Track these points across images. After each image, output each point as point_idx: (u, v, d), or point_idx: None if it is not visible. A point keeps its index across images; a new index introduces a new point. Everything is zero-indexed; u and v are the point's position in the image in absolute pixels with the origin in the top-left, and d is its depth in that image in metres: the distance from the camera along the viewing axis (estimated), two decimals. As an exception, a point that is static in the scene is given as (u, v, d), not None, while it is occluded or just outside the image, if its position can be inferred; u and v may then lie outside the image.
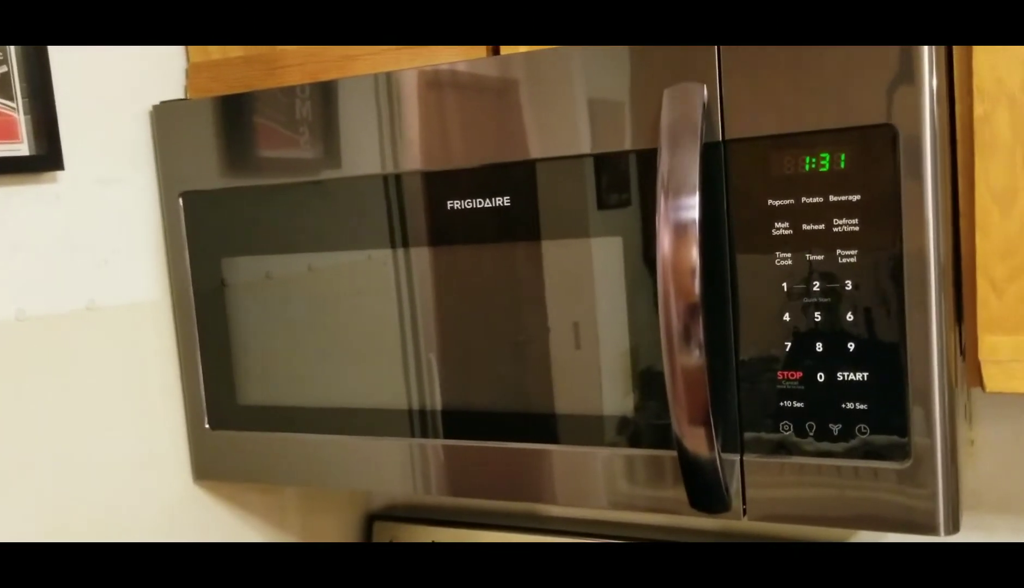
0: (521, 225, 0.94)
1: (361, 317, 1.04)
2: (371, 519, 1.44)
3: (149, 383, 1.12)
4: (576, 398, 0.94)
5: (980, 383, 0.84)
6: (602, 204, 0.90)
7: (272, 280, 1.07)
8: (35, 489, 1.00)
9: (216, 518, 1.20)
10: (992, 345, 0.82)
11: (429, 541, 1.39)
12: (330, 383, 1.06)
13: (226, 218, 1.08)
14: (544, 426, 0.96)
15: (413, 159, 0.98)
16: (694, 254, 0.81)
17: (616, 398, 0.92)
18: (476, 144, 0.95)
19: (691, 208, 0.81)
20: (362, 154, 1.00)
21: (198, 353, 1.12)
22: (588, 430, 0.94)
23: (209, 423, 1.14)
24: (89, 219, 1.05)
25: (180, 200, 1.10)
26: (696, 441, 0.84)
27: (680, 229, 0.81)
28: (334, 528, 1.41)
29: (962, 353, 0.87)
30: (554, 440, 0.96)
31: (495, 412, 0.98)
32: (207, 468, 1.16)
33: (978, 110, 0.79)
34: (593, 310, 0.92)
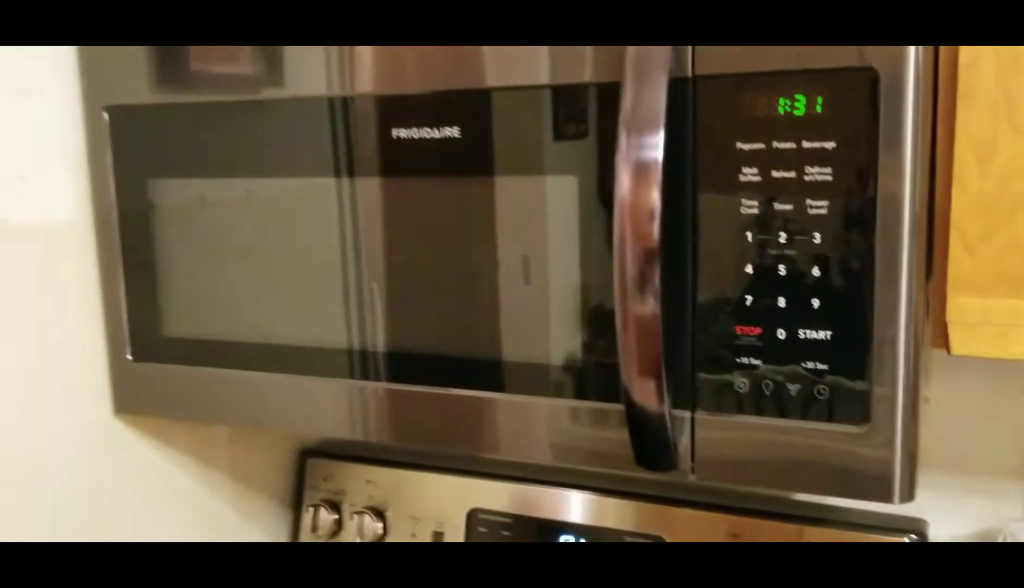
0: (473, 159, 0.87)
1: (300, 249, 0.97)
2: (304, 455, 1.40)
3: (65, 308, 1.04)
4: (523, 345, 0.89)
5: (945, 345, 0.81)
6: (558, 139, 0.85)
7: (205, 204, 1.00)
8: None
9: (138, 453, 1.14)
10: (961, 306, 0.79)
11: (365, 480, 1.35)
12: (265, 318, 1.00)
13: (156, 136, 1.01)
14: (489, 373, 0.91)
15: (364, 81, 0.91)
16: (655, 196, 0.75)
17: (564, 346, 0.88)
18: (429, 68, 0.88)
19: (655, 147, 0.75)
20: (307, 73, 0.93)
21: (121, 279, 1.05)
22: (534, 379, 0.90)
23: (132, 355, 1.07)
24: (2, 132, 0.97)
25: (105, 114, 1.02)
26: (645, 394, 0.80)
27: (641, 168, 0.76)
28: (265, 464, 1.36)
29: (927, 316, 0.84)
30: (500, 388, 0.91)
31: (439, 356, 0.93)
32: (128, 401, 1.09)
33: (963, 57, 0.75)
34: (545, 252, 0.87)
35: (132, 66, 1.00)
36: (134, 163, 1.02)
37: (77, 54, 1.03)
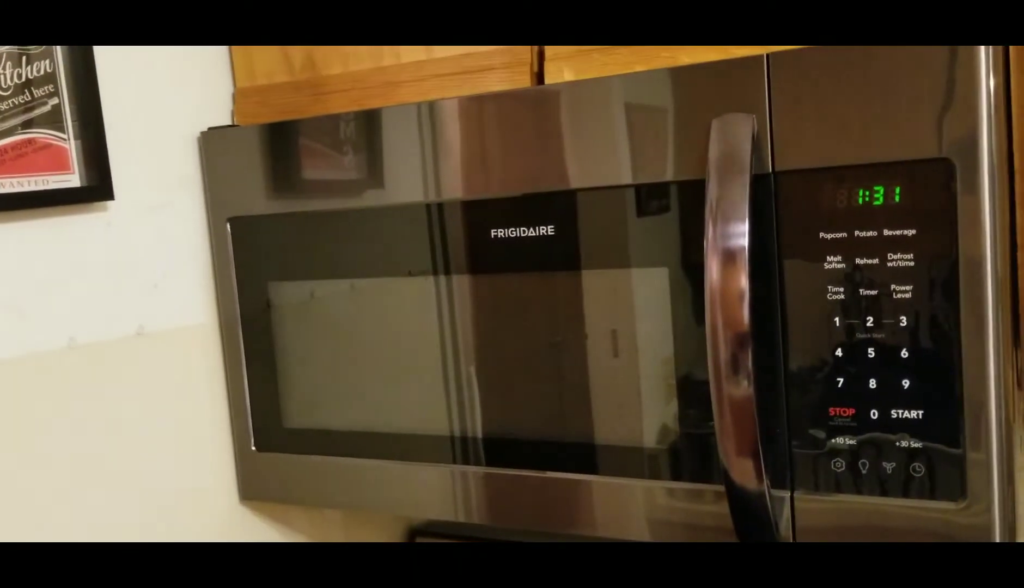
0: (567, 254, 0.93)
1: (403, 344, 1.04)
2: (413, 535, 1.45)
3: (196, 406, 1.13)
4: (615, 429, 0.94)
5: (1037, 419, 0.82)
6: (646, 235, 0.90)
7: (317, 305, 1.07)
8: (85, 510, 1.02)
9: (261, 537, 1.20)
10: (1050, 381, 0.80)
11: (471, 557, 1.38)
12: (373, 408, 1.07)
13: (273, 243, 1.09)
14: (584, 456, 0.96)
15: (454, 187, 0.98)
16: (743, 281, 0.80)
17: (654, 430, 0.92)
18: (517, 173, 0.94)
19: (740, 236, 0.80)
20: (405, 182, 1.00)
21: (244, 376, 1.13)
22: (627, 461, 0.93)
23: (255, 445, 1.14)
24: (139, 246, 1.06)
25: (228, 225, 1.11)
26: (744, 474, 0.83)
27: (728, 256, 0.80)
28: (377, 544, 1.41)
29: (1019, 385, 0.85)
30: (594, 470, 0.95)
31: (535, 441, 0.98)
32: (253, 489, 1.16)
33: (1037, 142, 0.78)
34: (635, 341, 0.91)
35: (250, 180, 1.08)
36: (254, 268, 1.10)
37: (201, 172, 1.12)
